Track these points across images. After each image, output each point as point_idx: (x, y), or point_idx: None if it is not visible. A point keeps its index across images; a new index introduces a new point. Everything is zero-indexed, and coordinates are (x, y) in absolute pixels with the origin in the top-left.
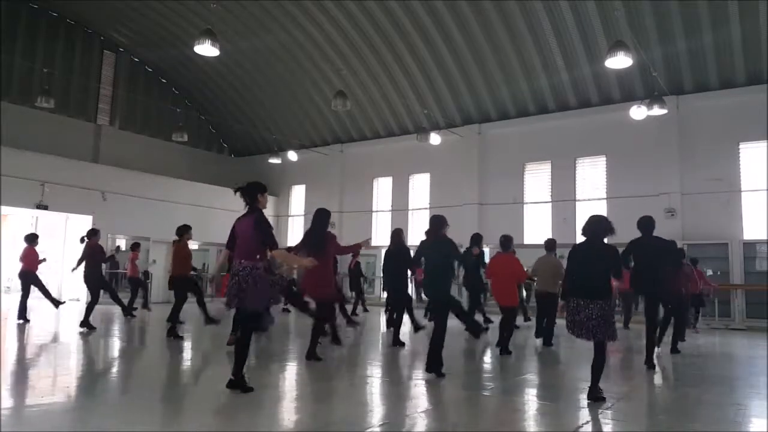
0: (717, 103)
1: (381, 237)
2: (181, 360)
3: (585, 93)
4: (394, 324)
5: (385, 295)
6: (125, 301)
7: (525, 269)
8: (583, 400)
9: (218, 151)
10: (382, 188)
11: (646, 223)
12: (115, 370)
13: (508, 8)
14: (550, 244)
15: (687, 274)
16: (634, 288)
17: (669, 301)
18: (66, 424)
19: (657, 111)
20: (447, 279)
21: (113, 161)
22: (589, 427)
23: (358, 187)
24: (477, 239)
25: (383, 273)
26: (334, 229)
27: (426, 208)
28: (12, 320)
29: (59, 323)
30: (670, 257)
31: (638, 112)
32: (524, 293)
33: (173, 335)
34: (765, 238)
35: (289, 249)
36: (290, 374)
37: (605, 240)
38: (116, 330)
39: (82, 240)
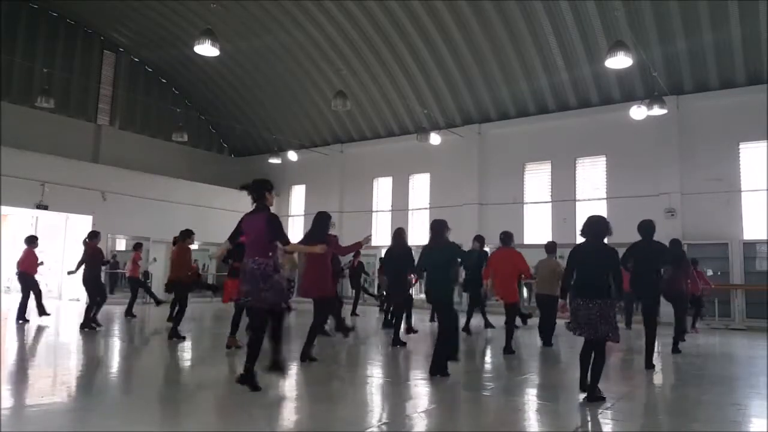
0: (717, 103)
1: (381, 237)
2: (182, 360)
3: (585, 93)
4: (394, 324)
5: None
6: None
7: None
8: (584, 400)
9: (218, 151)
10: (382, 188)
11: (646, 227)
12: (115, 369)
13: (508, 8)
14: (550, 247)
15: (688, 273)
16: (634, 290)
17: (671, 299)
18: (66, 424)
19: (657, 111)
20: (449, 281)
21: (113, 161)
22: (589, 427)
23: (358, 187)
24: (481, 239)
25: (384, 273)
26: (335, 230)
27: (426, 208)
28: (12, 320)
29: (59, 323)
30: (670, 257)
31: (638, 112)
32: (525, 294)
33: (175, 336)
34: (765, 238)
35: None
36: (290, 374)
37: (605, 240)
38: (116, 330)
39: (84, 243)
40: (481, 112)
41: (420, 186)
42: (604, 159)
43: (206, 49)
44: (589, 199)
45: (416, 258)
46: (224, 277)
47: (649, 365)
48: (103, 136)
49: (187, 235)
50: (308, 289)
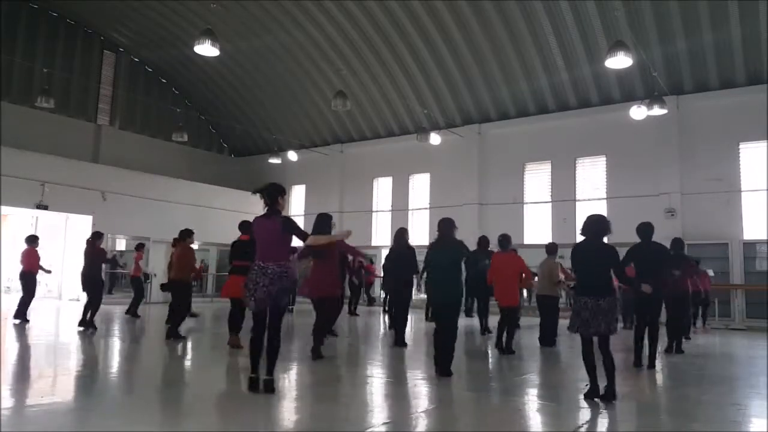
0: (717, 103)
1: (381, 237)
2: (182, 360)
3: (585, 93)
4: (396, 325)
5: (384, 295)
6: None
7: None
8: (583, 401)
9: (218, 151)
10: (382, 188)
11: (644, 230)
12: (115, 369)
13: (508, 8)
14: (551, 248)
15: (690, 273)
16: (634, 292)
17: (673, 299)
18: (66, 424)
19: (657, 111)
20: (458, 282)
21: (113, 161)
22: (588, 428)
23: (358, 187)
24: (485, 242)
25: (386, 273)
26: (335, 230)
27: (426, 208)
28: (12, 320)
29: (59, 323)
30: (676, 259)
31: (638, 112)
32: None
33: (173, 336)
34: (765, 238)
35: (293, 249)
36: (291, 374)
37: (605, 239)
38: (116, 330)
39: (87, 242)
40: (481, 112)
41: (420, 186)
42: (604, 159)
43: (206, 49)
44: (589, 199)
45: (418, 258)
46: (225, 277)
47: (652, 364)
48: (103, 136)
49: (187, 235)
50: (313, 288)
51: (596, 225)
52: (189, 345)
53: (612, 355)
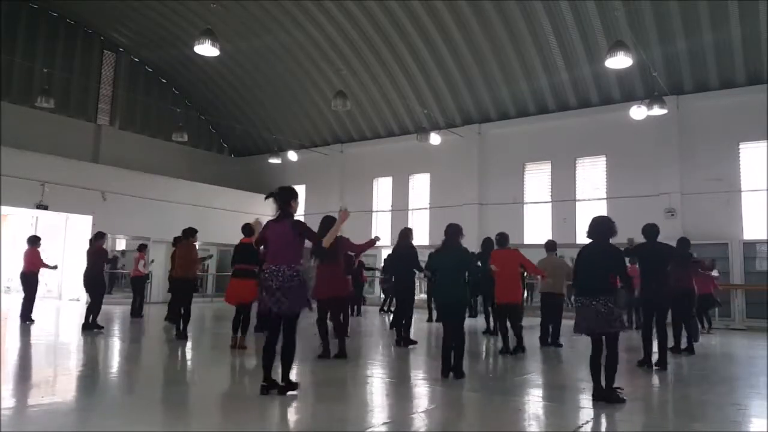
0: (717, 103)
1: (381, 237)
2: (183, 360)
3: (585, 93)
4: (399, 325)
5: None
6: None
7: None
8: (584, 400)
9: (218, 151)
10: (382, 188)
11: (650, 230)
12: (115, 369)
13: (508, 8)
14: (550, 245)
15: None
16: (642, 290)
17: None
18: (67, 424)
19: (657, 111)
20: (463, 284)
21: (113, 161)
22: (589, 427)
23: (358, 187)
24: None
25: (388, 273)
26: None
27: (426, 208)
28: (13, 320)
29: (59, 323)
30: (675, 257)
31: (638, 112)
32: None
33: (183, 337)
34: (765, 238)
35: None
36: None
37: (610, 240)
38: (116, 330)
39: (90, 242)
40: (481, 112)
41: (420, 186)
42: (604, 159)
43: (206, 49)
44: (589, 199)
45: (418, 258)
46: (225, 277)
47: (663, 365)
48: (103, 136)
49: (190, 234)
50: (321, 289)
51: (602, 226)
52: (189, 345)
53: (617, 356)
